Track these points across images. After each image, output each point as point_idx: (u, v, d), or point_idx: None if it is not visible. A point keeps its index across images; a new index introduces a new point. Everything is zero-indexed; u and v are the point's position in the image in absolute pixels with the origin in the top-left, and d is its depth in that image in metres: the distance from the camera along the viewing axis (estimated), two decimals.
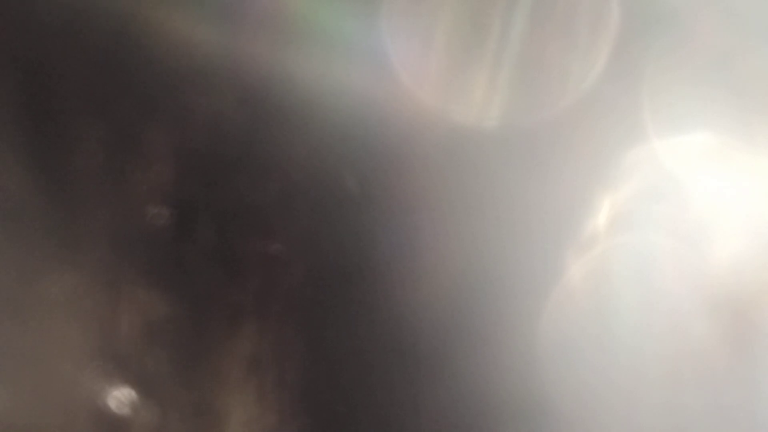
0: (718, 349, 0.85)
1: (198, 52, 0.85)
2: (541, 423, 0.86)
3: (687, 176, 0.86)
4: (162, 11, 0.84)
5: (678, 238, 0.86)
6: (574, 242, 0.86)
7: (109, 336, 0.83)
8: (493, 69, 0.86)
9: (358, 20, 0.86)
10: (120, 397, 0.83)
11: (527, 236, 0.86)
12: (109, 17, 0.84)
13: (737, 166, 0.85)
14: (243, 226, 0.87)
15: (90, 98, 0.84)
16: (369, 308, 0.87)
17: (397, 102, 0.86)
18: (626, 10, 0.86)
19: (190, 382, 0.85)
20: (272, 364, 0.86)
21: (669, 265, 0.86)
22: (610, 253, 0.86)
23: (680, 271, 0.86)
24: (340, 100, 0.85)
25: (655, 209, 0.86)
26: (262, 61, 0.85)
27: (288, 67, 0.85)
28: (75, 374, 0.83)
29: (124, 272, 0.84)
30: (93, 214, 0.83)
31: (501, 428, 0.87)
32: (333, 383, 0.87)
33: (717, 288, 0.85)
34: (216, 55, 0.85)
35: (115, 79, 0.84)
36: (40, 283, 0.82)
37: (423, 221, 0.87)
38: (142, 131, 0.85)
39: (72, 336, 0.83)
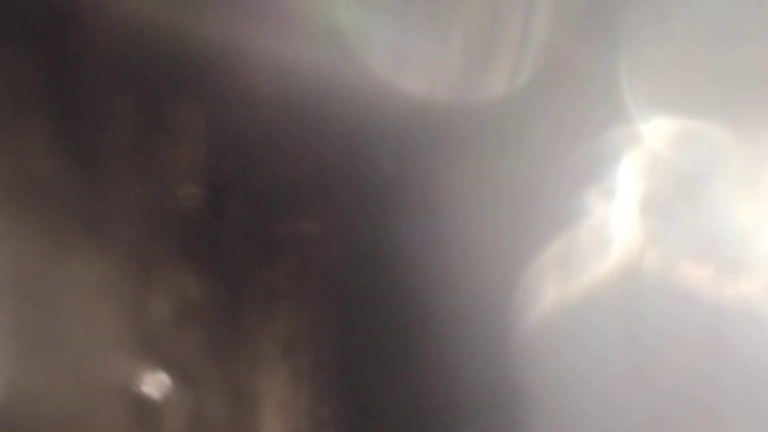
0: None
1: (231, 30, 0.84)
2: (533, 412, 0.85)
3: (670, 153, 0.85)
4: None
5: (662, 217, 0.85)
6: (554, 222, 0.85)
7: (141, 318, 0.83)
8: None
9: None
10: (153, 381, 0.83)
11: (512, 217, 0.85)
12: None
13: (721, 143, 0.84)
14: (277, 206, 0.86)
15: (121, 76, 0.83)
16: (405, 288, 0.87)
17: (432, 81, 0.85)
18: None
19: (225, 364, 0.85)
20: (308, 345, 0.86)
21: (654, 243, 0.85)
22: (592, 234, 0.85)
23: (665, 248, 0.85)
24: (375, 79, 0.84)
25: (640, 188, 0.85)
26: (298, 39, 0.84)
27: (323, 47, 0.84)
28: (107, 358, 0.82)
29: (156, 253, 0.83)
30: (124, 194, 0.83)
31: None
32: (369, 364, 0.87)
33: (700, 263, 0.84)
34: (249, 33, 0.84)
35: (147, 56, 0.83)
36: (71, 265, 0.81)
37: (457, 199, 0.86)
38: (174, 110, 0.84)
39: (103, 319, 0.82)
